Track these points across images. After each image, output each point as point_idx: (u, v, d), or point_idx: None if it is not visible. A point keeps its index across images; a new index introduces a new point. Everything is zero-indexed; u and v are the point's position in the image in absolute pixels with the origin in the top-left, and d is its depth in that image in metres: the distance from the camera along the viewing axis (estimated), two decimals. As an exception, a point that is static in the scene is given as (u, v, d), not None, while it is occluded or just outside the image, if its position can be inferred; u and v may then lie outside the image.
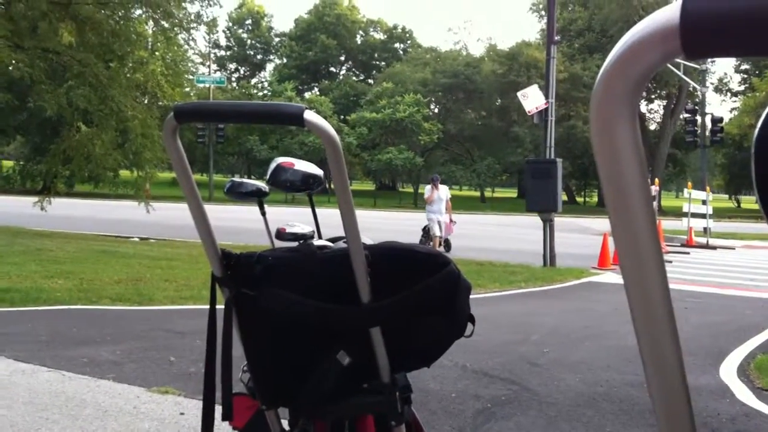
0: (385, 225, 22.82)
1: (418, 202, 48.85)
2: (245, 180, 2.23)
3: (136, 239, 17.33)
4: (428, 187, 16.23)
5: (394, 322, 1.87)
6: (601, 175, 0.63)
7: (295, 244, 2.06)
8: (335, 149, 1.57)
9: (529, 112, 14.66)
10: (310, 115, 1.53)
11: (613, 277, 12.64)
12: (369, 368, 1.93)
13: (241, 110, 1.75)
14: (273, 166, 2.03)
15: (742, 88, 55.30)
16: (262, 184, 2.18)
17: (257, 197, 2.20)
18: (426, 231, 16.30)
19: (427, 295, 1.88)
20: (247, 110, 1.73)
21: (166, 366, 5.50)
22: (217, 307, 1.93)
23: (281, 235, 2.15)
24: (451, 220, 16.36)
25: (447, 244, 16.13)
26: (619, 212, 0.63)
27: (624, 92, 0.59)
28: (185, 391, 4.79)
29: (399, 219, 29.14)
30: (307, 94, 63.66)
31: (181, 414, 4.38)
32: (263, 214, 2.28)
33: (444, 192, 16.00)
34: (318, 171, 2.05)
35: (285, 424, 2.12)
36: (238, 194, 2.18)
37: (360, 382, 1.99)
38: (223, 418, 1.95)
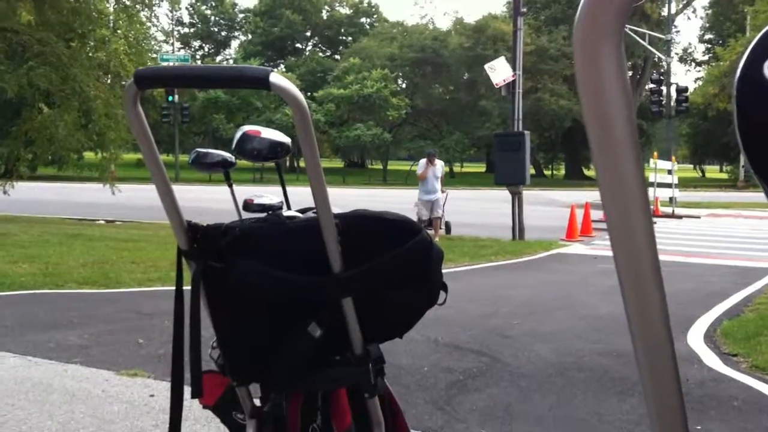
0: (355, 202, 22.77)
1: (387, 179, 48.80)
2: (210, 150, 2.16)
3: (102, 222, 17.11)
4: (422, 161, 13.77)
5: (366, 291, 1.84)
6: (585, 109, 0.59)
7: (263, 215, 2.01)
8: (303, 114, 1.52)
9: (496, 84, 14.65)
10: (276, 78, 1.48)
11: (581, 248, 12.76)
12: (341, 340, 1.90)
13: (205, 74, 1.70)
14: (238, 134, 1.97)
15: (706, 57, 55.83)
16: (227, 155, 2.12)
17: (223, 168, 2.14)
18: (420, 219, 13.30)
19: (399, 263, 1.85)
20: (211, 74, 1.67)
21: (135, 348, 5.43)
22: (185, 287, 1.88)
23: (249, 206, 2.11)
24: (441, 190, 14.06)
25: (447, 227, 14.50)
26: (604, 150, 0.59)
27: (610, 16, 0.55)
28: (155, 373, 4.73)
29: (369, 196, 29.10)
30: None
31: (151, 396, 4.33)
32: (230, 185, 2.23)
33: (440, 167, 13.82)
34: (285, 139, 2.00)
35: (257, 401, 2.09)
36: (203, 165, 2.12)
37: (332, 355, 1.96)
38: (193, 396, 1.91)
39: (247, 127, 2.01)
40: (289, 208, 2.29)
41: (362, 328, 1.88)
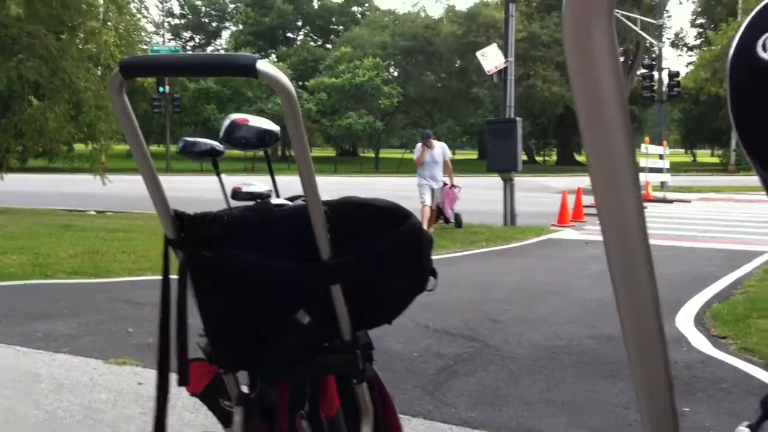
0: (347, 191, 22.62)
1: (379, 167, 48.72)
2: (198, 139, 2.15)
3: (93, 212, 17.04)
4: (418, 146, 12.46)
5: (356, 278, 1.83)
6: (573, 81, 0.58)
7: (251, 203, 2.00)
8: (291, 100, 1.51)
9: (488, 71, 14.61)
10: (263, 65, 1.47)
11: (572, 234, 12.78)
12: (330, 327, 1.89)
13: (191, 62, 1.68)
14: (227, 123, 1.96)
15: (698, 42, 55.80)
16: (216, 143, 2.11)
17: (211, 156, 2.13)
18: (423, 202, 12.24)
19: (388, 249, 1.84)
20: (198, 62, 1.66)
21: (124, 337, 5.42)
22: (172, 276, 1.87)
23: (237, 194, 2.10)
24: (452, 185, 12.90)
25: (457, 219, 13.30)
26: (594, 125, 0.58)
27: None
28: (144, 362, 4.71)
29: (361, 184, 29.08)
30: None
31: (140, 384, 4.31)
32: (218, 174, 2.21)
33: (440, 151, 12.35)
34: (274, 127, 1.99)
35: (244, 388, 2.09)
36: (192, 154, 2.10)
37: (321, 342, 1.95)
38: (179, 384, 1.90)
39: (235, 116, 2.00)
40: (278, 196, 2.28)
41: (351, 315, 1.87)
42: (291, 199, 2.08)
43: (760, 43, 0.61)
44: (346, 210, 1.83)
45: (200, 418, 3.69)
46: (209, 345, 1.97)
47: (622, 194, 0.60)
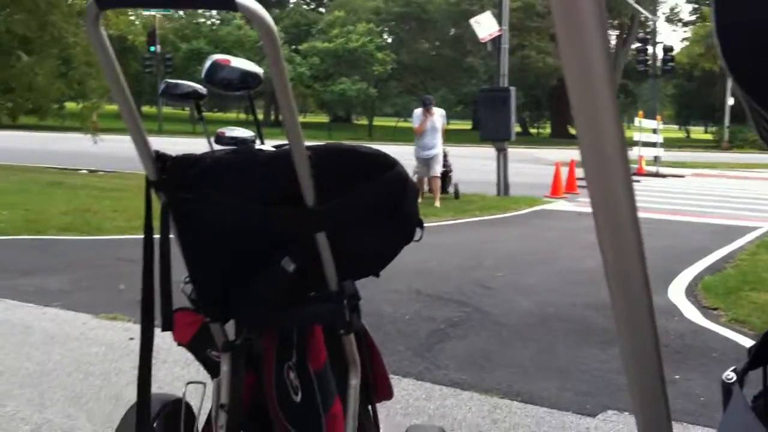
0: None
1: (373, 135, 48.53)
2: (180, 81, 2.10)
3: (85, 171, 16.91)
4: (417, 112, 11.63)
5: (340, 225, 1.80)
6: (561, 47, 0.55)
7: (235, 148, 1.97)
8: (270, 36, 1.47)
9: (482, 39, 14.46)
10: None
11: (565, 205, 12.78)
12: (316, 276, 1.86)
13: None
14: (208, 63, 1.91)
15: (693, 17, 55.52)
16: (198, 86, 2.06)
17: (194, 99, 2.08)
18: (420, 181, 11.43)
19: (373, 196, 1.81)
20: None
21: (116, 294, 5.39)
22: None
23: (220, 139, 2.06)
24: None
25: (456, 191, 12.82)
26: (581, 91, 0.55)
27: None
28: (135, 318, 4.68)
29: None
30: (257, 24, 61.89)
31: (131, 339, 4.30)
32: (201, 118, 2.17)
33: (439, 118, 11.61)
34: (257, 69, 1.94)
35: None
36: (173, 96, 2.06)
37: (307, 291, 1.92)
38: (163, 329, 1.87)
39: (216, 56, 1.95)
40: (262, 142, 2.24)
41: (337, 264, 1.84)
42: (277, 147, 2.04)
43: None
44: (330, 156, 1.80)
45: (191, 373, 3.67)
46: (195, 292, 1.94)
47: (609, 161, 0.58)
